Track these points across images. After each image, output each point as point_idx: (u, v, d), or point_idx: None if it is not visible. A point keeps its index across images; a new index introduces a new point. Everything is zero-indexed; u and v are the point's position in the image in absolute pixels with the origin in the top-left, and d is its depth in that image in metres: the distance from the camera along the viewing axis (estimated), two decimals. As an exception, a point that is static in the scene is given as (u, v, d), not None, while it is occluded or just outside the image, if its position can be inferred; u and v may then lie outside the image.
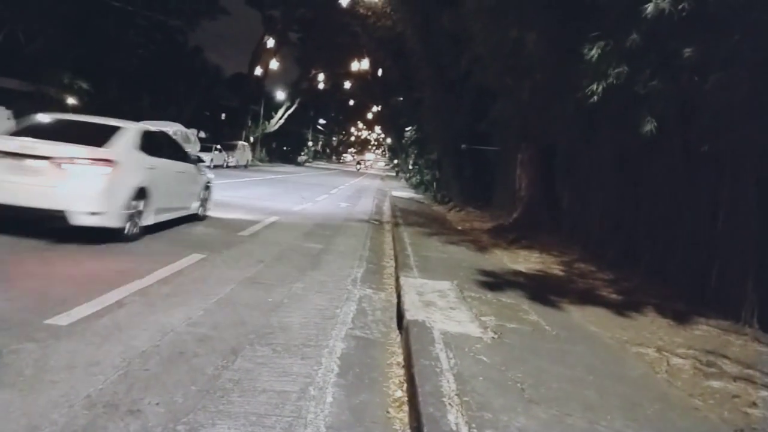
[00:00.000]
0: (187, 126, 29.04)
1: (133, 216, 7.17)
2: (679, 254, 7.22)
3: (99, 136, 7.12)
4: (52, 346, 3.58)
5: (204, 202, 10.05)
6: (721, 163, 6.52)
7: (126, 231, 7.02)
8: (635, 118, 6.40)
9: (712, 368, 4.40)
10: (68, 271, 5.45)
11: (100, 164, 6.68)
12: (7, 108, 24.01)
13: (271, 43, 46.58)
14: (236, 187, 19.09)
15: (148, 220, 7.58)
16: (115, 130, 7.42)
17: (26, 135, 7.11)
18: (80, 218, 6.53)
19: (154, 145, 8.03)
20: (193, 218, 9.56)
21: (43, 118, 8.00)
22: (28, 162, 6.51)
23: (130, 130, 7.62)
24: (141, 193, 7.27)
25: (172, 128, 25.33)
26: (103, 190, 6.67)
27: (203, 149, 30.13)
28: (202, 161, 10.91)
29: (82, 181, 6.59)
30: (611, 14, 6.50)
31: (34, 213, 6.47)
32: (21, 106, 25.11)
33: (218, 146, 33.85)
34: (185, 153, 9.57)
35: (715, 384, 4.08)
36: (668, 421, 3.30)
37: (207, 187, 10.18)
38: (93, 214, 6.59)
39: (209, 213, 10.36)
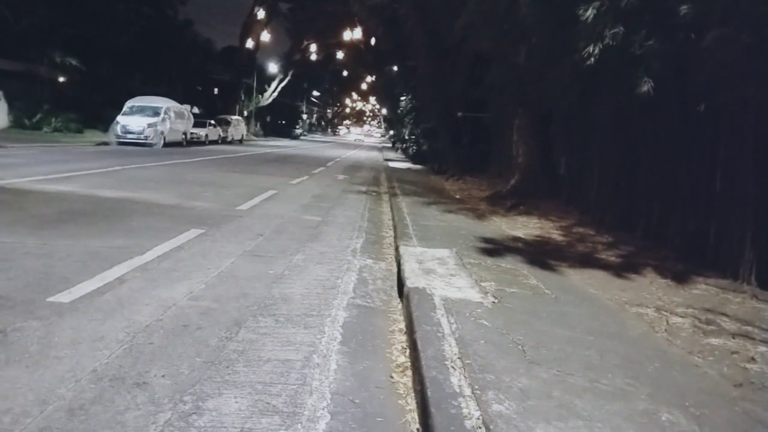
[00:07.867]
0: (181, 102, 28.82)
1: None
2: (678, 215, 7.23)
3: None
4: (56, 323, 3.61)
5: None
6: (718, 122, 6.49)
7: None
8: (632, 79, 6.35)
9: (710, 326, 4.45)
10: (68, 249, 5.45)
11: None
12: (-2, 88, 23.76)
13: (261, 14, 45.81)
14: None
15: None
16: None
17: None
18: None
19: None
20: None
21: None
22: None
23: None
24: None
25: (164, 104, 25.20)
26: None
27: (197, 125, 29.99)
28: None
29: None
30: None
31: None
32: (12, 85, 24.86)
33: (212, 121, 33.56)
34: None
35: (714, 341, 4.12)
36: (668, 378, 3.34)
37: None
38: None
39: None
